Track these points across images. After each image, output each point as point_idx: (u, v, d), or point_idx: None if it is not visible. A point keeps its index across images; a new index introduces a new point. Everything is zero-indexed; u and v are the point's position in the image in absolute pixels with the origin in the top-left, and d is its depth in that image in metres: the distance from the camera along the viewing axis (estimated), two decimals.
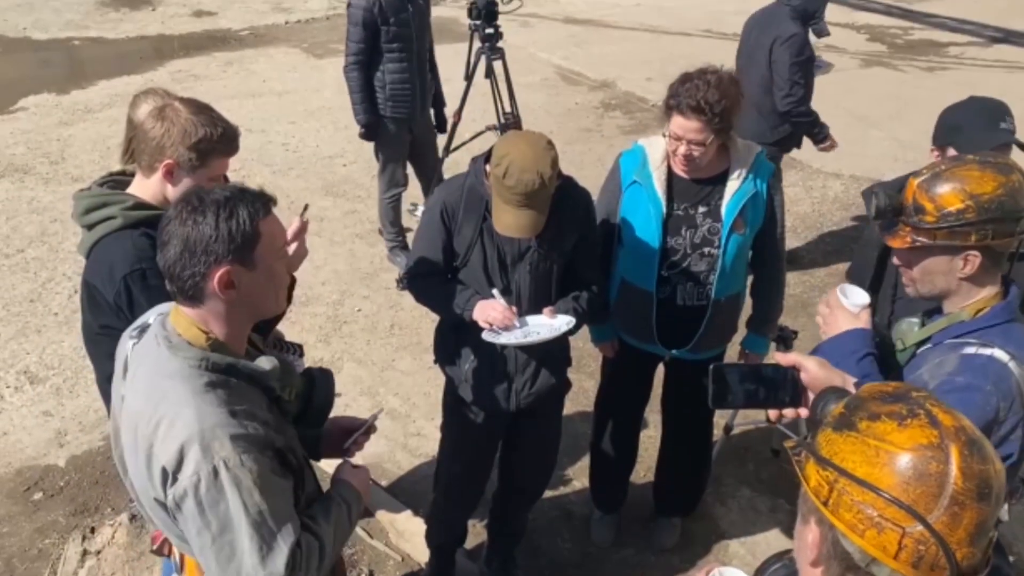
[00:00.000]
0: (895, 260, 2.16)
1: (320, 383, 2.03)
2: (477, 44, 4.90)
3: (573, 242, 2.84)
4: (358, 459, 2.22)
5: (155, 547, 2.13)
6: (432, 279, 2.87)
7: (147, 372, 1.75)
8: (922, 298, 2.12)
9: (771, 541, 3.76)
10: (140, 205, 2.33)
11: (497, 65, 4.96)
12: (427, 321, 3.15)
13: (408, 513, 3.74)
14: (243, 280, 1.73)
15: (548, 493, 3.86)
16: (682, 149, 2.86)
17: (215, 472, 1.64)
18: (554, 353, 2.96)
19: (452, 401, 3.08)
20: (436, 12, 11.81)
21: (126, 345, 1.86)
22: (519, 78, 5.57)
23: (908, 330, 2.15)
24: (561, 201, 2.73)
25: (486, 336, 2.72)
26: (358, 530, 3.66)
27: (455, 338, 2.95)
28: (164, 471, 1.66)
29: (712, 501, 3.93)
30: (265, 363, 1.82)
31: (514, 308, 2.73)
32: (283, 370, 1.87)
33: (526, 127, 5.56)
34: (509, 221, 2.58)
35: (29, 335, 4.86)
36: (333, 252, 5.84)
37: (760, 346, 3.41)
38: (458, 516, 3.36)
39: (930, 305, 2.20)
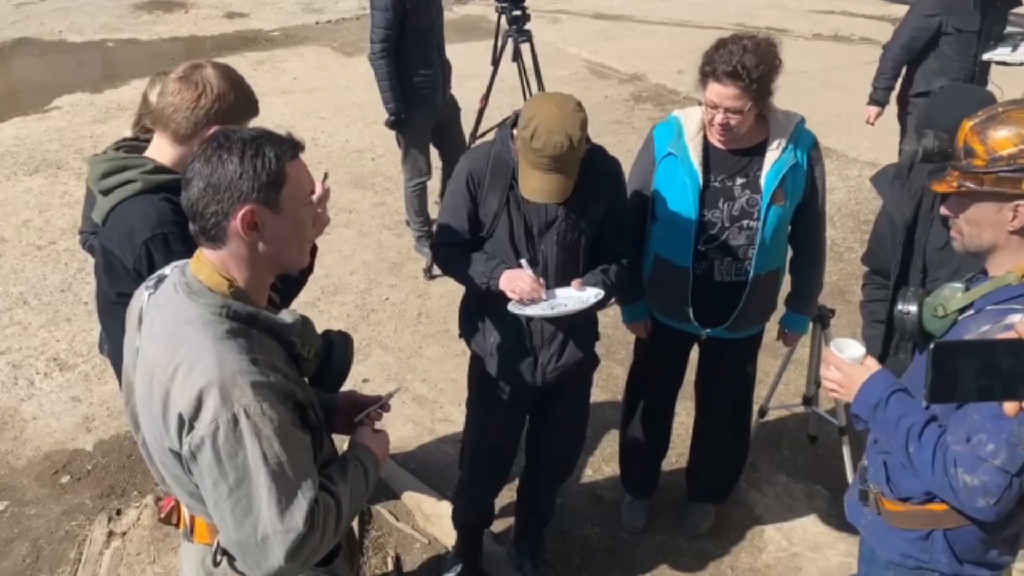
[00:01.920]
0: (942, 210, 2.05)
1: (339, 345, 1.96)
2: (504, 27, 4.84)
3: (602, 211, 2.76)
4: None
5: (163, 515, 2.07)
6: (457, 249, 2.81)
7: (165, 319, 1.69)
8: (968, 253, 2.02)
9: (808, 528, 3.64)
10: (160, 169, 2.28)
11: (524, 49, 4.90)
12: (454, 309, 3.08)
13: (435, 497, 3.68)
14: (267, 223, 1.67)
15: (577, 477, 3.79)
16: (719, 118, 2.76)
17: (235, 420, 1.56)
18: (581, 327, 2.89)
19: (477, 376, 3.02)
20: (464, 10, 11.90)
21: (142, 296, 1.80)
22: (548, 72, 5.49)
23: (950, 296, 2.04)
24: (590, 169, 2.67)
25: (512, 308, 2.65)
26: (385, 513, 3.61)
27: (480, 311, 2.89)
28: (181, 418, 1.58)
29: (747, 487, 3.83)
30: (287, 316, 1.76)
31: (541, 280, 2.66)
32: (304, 327, 1.82)
33: None
34: (535, 185, 2.51)
35: (60, 323, 4.88)
36: (362, 243, 5.81)
37: (800, 324, 3.30)
38: (484, 494, 3.29)
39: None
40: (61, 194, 6.35)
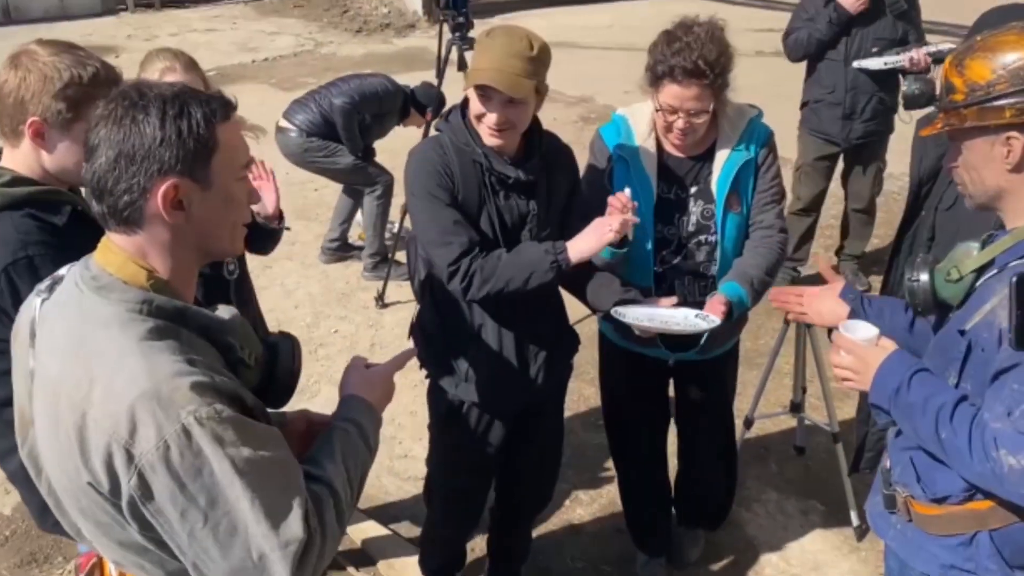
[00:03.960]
0: (946, 162, 1.82)
1: (283, 350, 1.62)
2: (448, 35, 4.61)
3: (564, 200, 2.50)
4: None
5: (82, 574, 1.70)
6: (486, 252, 2.34)
7: (69, 326, 1.35)
8: (979, 207, 1.77)
9: (806, 547, 3.36)
10: (20, 180, 1.90)
11: (469, 56, 4.65)
12: (410, 338, 2.73)
13: (399, 541, 3.33)
14: (194, 200, 1.35)
15: (553, 507, 3.47)
16: (680, 123, 2.45)
17: (186, 432, 1.24)
18: (565, 332, 2.63)
19: (444, 407, 2.62)
20: (405, 42, 11.74)
21: (32, 305, 1.45)
22: None
23: (965, 255, 1.78)
24: (549, 156, 2.43)
25: (621, 313, 2.37)
26: (344, 565, 3.24)
27: (444, 333, 2.54)
28: (110, 447, 1.25)
29: (736, 506, 3.51)
30: (224, 312, 1.44)
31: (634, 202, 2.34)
32: (243, 326, 1.48)
33: None
34: (485, 73, 2.18)
35: None
36: (306, 275, 5.48)
37: (732, 291, 2.55)
38: (459, 536, 2.95)
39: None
40: None
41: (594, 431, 3.94)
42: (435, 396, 2.67)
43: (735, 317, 2.57)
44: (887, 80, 4.60)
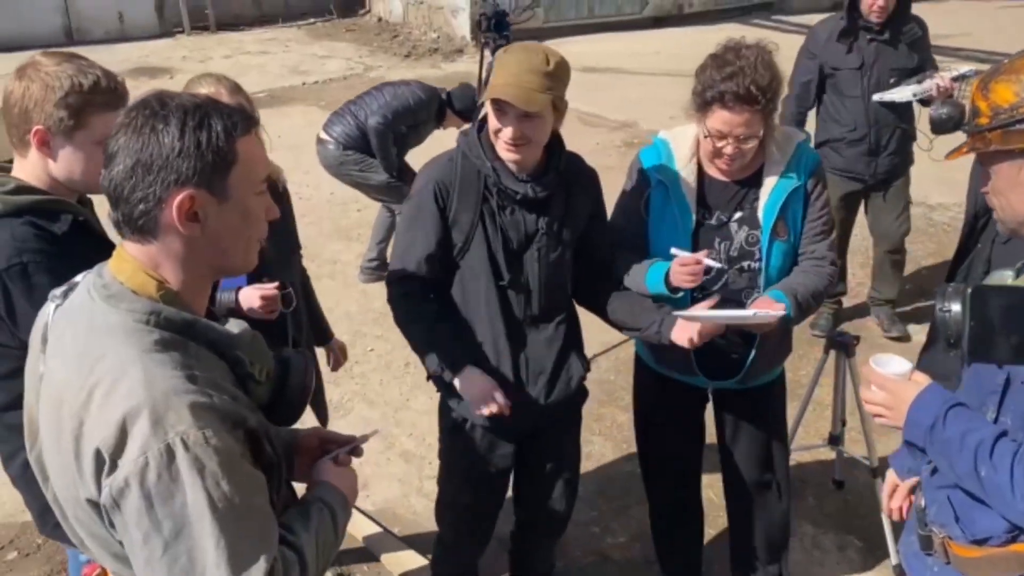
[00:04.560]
0: (978, 187, 1.77)
1: (295, 366, 1.61)
2: (488, 57, 4.63)
3: (584, 223, 2.48)
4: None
5: None
6: (419, 295, 2.45)
7: (77, 332, 1.34)
8: (1012, 234, 1.72)
9: None
10: (23, 189, 1.93)
11: None
12: None
13: (424, 563, 3.30)
14: (210, 213, 1.34)
15: (581, 535, 3.41)
16: (730, 148, 2.39)
17: (169, 452, 1.21)
18: (572, 356, 2.57)
19: (451, 423, 2.62)
20: (453, 67, 11.83)
21: (47, 311, 1.45)
22: None
23: (999, 283, 1.73)
24: (569, 176, 2.42)
25: (680, 314, 2.36)
26: None
27: (450, 344, 2.51)
28: (99, 454, 1.23)
29: None
30: (234, 326, 1.42)
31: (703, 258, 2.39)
32: (254, 342, 1.47)
33: None
34: (500, 89, 2.19)
35: None
36: (346, 294, 5.51)
37: (780, 298, 2.47)
38: (469, 553, 2.90)
39: None
40: None
41: (626, 458, 3.87)
42: (443, 411, 2.67)
43: (779, 330, 2.50)
44: (906, 111, 4.46)
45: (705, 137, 2.43)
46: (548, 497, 2.77)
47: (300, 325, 2.80)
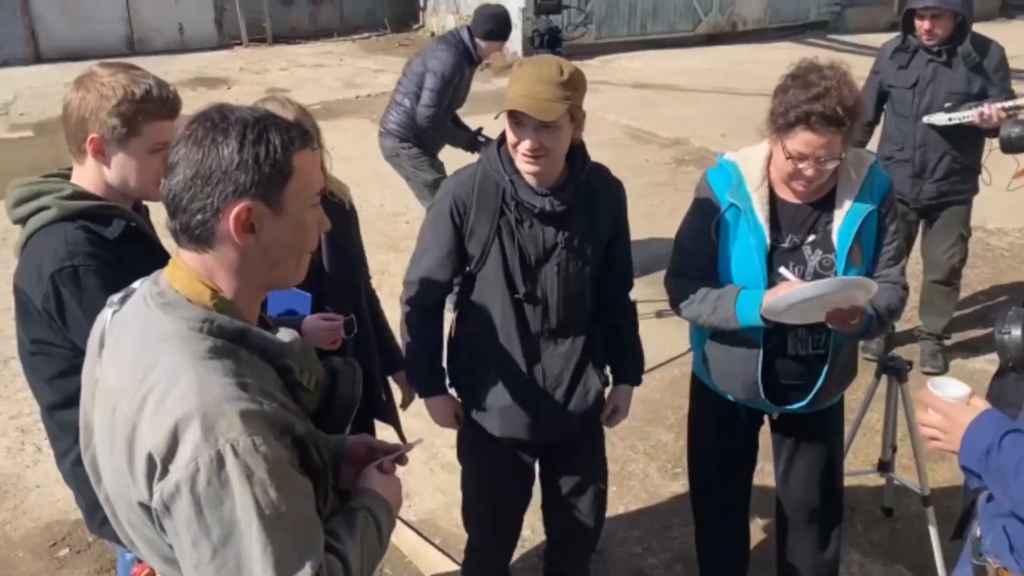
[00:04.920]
0: None
1: (344, 375, 1.63)
2: None
3: (607, 236, 2.47)
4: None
5: None
6: (429, 326, 2.58)
7: (132, 338, 1.38)
8: None
9: None
10: (80, 195, 1.99)
11: None
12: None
13: (457, 569, 3.30)
14: (265, 224, 1.37)
15: (621, 554, 3.39)
16: (810, 171, 2.34)
17: (219, 459, 1.24)
18: (589, 370, 2.57)
19: (471, 434, 2.64)
20: (504, 82, 11.91)
21: (104, 317, 1.49)
22: (587, 138, 5.24)
23: None
24: (592, 189, 2.39)
25: (782, 300, 2.32)
26: None
27: (469, 350, 2.55)
28: (151, 459, 1.26)
29: None
30: (285, 335, 1.45)
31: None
32: (304, 351, 1.50)
33: None
34: (516, 100, 2.20)
35: None
36: (394, 303, 5.51)
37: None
38: (495, 559, 2.92)
39: None
40: None
41: (670, 478, 3.84)
42: (465, 422, 2.68)
43: (859, 331, 2.46)
44: (962, 138, 4.24)
45: (787, 159, 2.36)
46: (575, 512, 2.76)
47: (369, 353, 2.75)
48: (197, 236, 1.37)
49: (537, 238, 2.36)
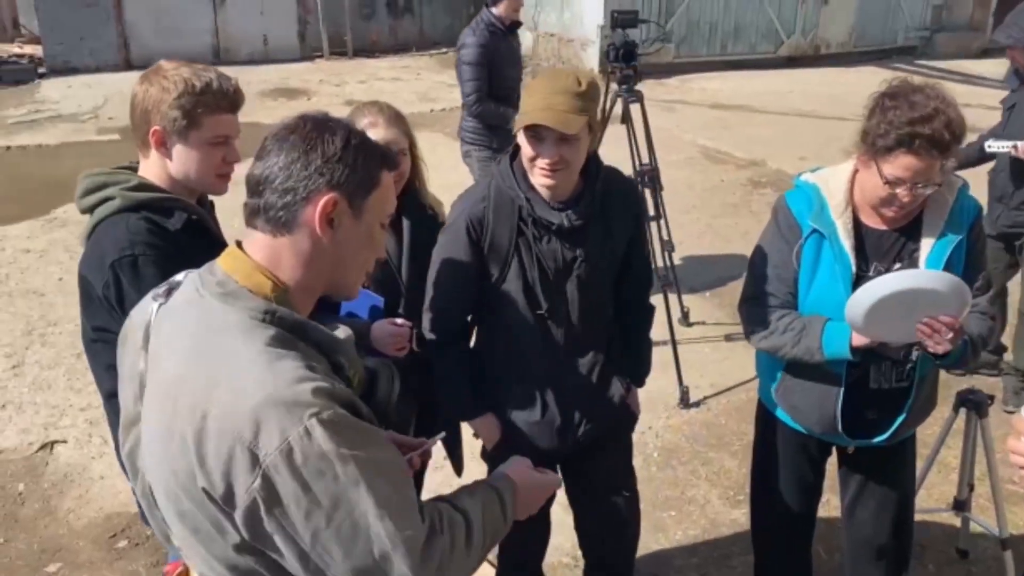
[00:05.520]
0: None
1: (383, 375, 1.63)
2: (614, 87, 4.60)
3: (625, 242, 2.43)
4: None
5: None
6: (457, 347, 2.50)
7: (191, 331, 1.38)
8: None
9: None
10: (144, 186, 2.01)
11: (634, 109, 4.63)
12: None
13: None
14: (344, 223, 1.41)
15: None
16: (906, 197, 2.19)
17: (308, 433, 1.25)
18: (613, 381, 2.53)
19: (495, 451, 2.58)
20: None
21: (147, 309, 1.48)
22: (660, 155, 5.18)
23: None
24: (608, 195, 2.34)
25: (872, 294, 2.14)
26: None
27: (492, 366, 2.50)
28: (232, 449, 1.26)
29: None
30: (340, 332, 1.46)
31: None
32: (353, 348, 1.50)
33: (668, 201, 5.18)
34: (534, 114, 2.15)
35: None
36: None
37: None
38: (527, 554, 2.87)
39: None
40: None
41: (732, 506, 3.72)
42: None
43: (952, 356, 2.28)
44: None
45: (884, 183, 2.21)
46: (606, 527, 2.73)
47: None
48: (278, 218, 1.38)
49: (556, 253, 2.32)
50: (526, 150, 2.23)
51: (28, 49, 13.74)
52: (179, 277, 1.50)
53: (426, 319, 2.46)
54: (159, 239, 1.94)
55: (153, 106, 1.95)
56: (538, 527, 2.78)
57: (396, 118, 2.52)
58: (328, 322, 1.49)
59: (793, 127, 9.78)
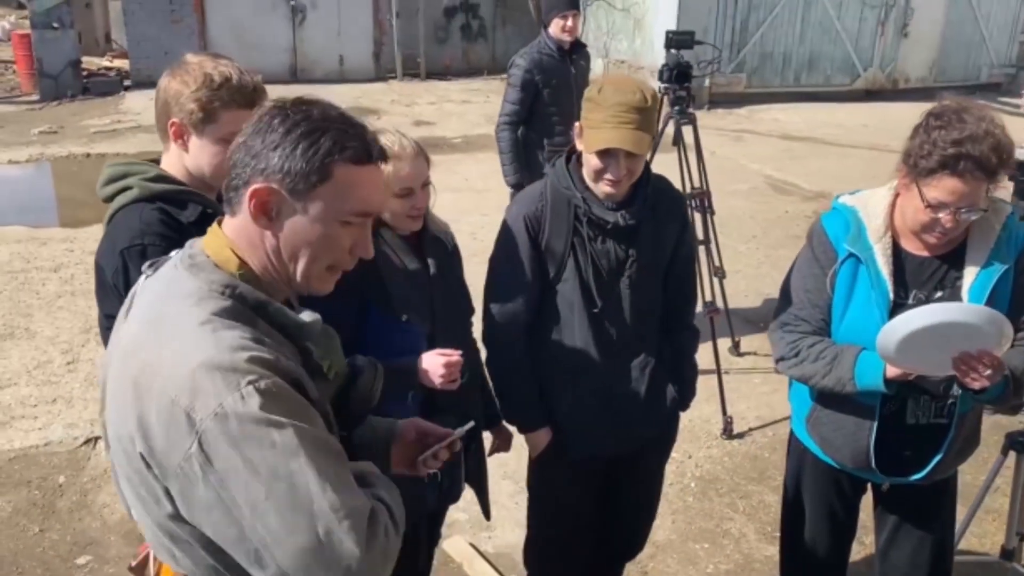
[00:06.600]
0: None
1: (366, 373, 1.60)
2: (667, 108, 4.53)
3: (672, 244, 2.46)
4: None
5: (134, 564, 1.65)
6: (526, 352, 2.45)
7: (153, 297, 1.39)
8: None
9: None
10: (162, 178, 2.02)
11: (687, 131, 4.56)
12: None
13: None
14: (284, 214, 1.37)
15: None
16: (949, 222, 2.09)
17: (243, 399, 1.23)
18: (665, 384, 2.54)
19: (544, 453, 2.56)
20: None
21: (138, 283, 1.50)
22: (724, 185, 5.12)
23: None
24: (657, 201, 2.40)
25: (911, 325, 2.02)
26: None
27: (546, 367, 2.47)
28: (170, 411, 1.24)
29: None
30: (306, 316, 1.43)
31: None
32: (327, 337, 1.47)
33: (728, 230, 5.06)
34: (608, 135, 2.20)
35: None
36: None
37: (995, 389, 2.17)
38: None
39: None
40: None
41: (768, 542, 3.58)
42: None
43: (991, 393, 2.15)
44: None
45: (926, 207, 2.11)
46: (630, 519, 2.79)
47: (472, 401, 2.48)
48: (229, 199, 1.41)
49: (610, 253, 2.37)
50: (594, 164, 2.28)
51: (117, 62, 14.33)
52: (172, 254, 1.51)
53: (485, 325, 2.47)
54: (171, 230, 1.95)
55: (173, 98, 1.97)
56: (576, 550, 2.74)
57: (418, 150, 2.40)
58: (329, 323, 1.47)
59: (864, 160, 9.54)
